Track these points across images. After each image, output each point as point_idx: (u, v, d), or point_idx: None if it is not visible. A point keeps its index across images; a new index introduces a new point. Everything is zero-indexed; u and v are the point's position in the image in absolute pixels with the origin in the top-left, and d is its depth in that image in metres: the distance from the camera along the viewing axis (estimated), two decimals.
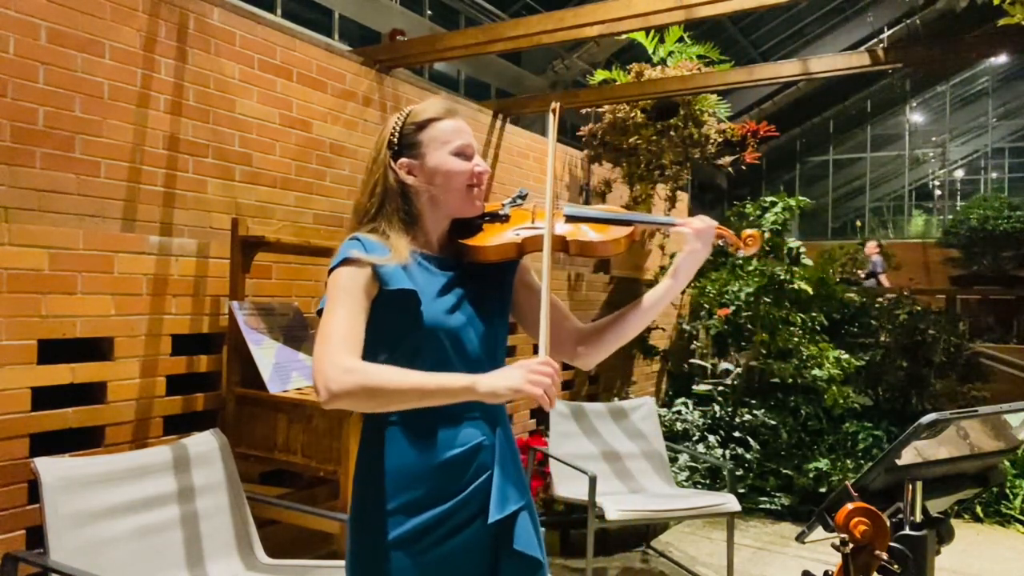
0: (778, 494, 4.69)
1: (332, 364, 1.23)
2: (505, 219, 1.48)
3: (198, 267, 2.86)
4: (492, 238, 1.43)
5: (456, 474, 1.35)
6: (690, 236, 1.45)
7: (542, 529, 1.48)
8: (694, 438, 4.96)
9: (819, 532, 1.48)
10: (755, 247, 1.48)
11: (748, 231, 1.48)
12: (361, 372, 1.23)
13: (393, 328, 1.34)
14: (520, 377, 1.20)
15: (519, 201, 1.52)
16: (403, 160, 1.41)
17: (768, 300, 4.97)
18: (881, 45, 12.06)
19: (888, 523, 1.36)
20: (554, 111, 1.54)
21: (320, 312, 1.34)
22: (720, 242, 1.49)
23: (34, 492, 2.18)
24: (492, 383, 1.22)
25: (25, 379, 2.33)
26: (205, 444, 2.54)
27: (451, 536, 1.34)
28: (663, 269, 5.66)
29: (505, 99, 5.95)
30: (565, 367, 5.05)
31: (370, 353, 1.31)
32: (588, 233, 1.43)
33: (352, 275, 1.32)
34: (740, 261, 5.21)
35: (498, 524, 1.35)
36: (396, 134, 1.42)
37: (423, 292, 1.35)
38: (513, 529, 1.36)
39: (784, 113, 15.33)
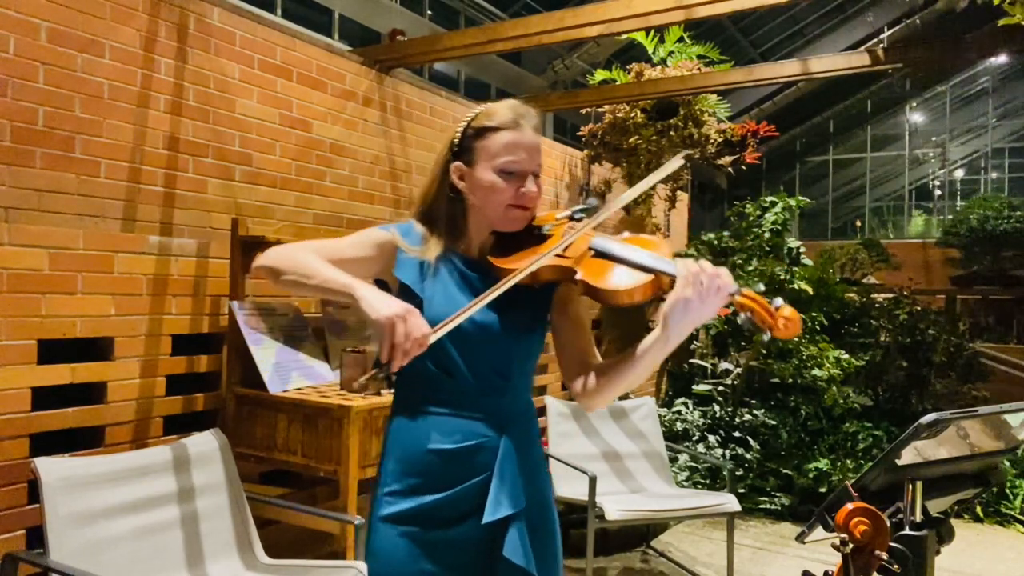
0: (778, 494, 4.69)
1: (292, 245, 1.37)
2: (543, 239, 1.39)
3: (198, 267, 2.86)
4: (516, 261, 1.35)
5: (451, 467, 1.36)
6: (678, 281, 1.21)
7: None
8: (694, 438, 4.96)
9: (819, 532, 1.48)
10: (791, 333, 1.17)
11: (787, 312, 1.16)
12: (293, 256, 1.34)
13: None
14: (392, 313, 1.19)
15: (579, 215, 1.41)
16: (457, 164, 1.40)
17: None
18: (881, 45, 12.06)
19: (888, 523, 1.36)
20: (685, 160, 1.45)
21: None
22: (744, 316, 1.19)
23: (34, 492, 2.18)
24: (370, 296, 1.23)
25: (25, 379, 2.33)
26: (205, 444, 2.54)
27: (444, 527, 1.36)
28: None
29: (505, 99, 5.95)
30: None
31: None
32: (600, 276, 1.28)
33: (379, 236, 1.42)
34: (740, 261, 5.20)
35: (495, 528, 1.35)
36: (459, 135, 1.41)
37: (441, 290, 1.37)
38: (505, 534, 1.35)
39: (784, 113, 15.33)
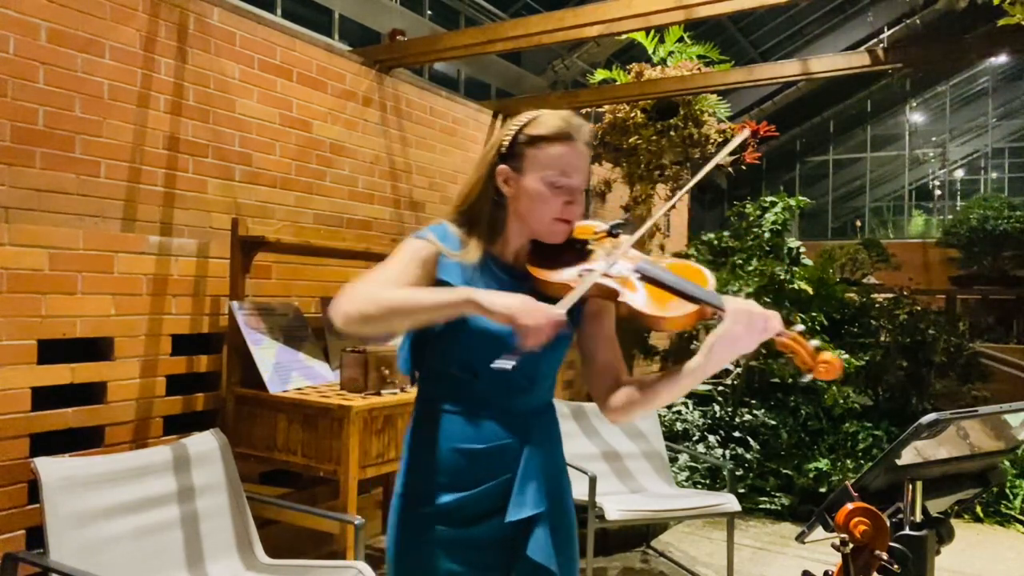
0: (778, 494, 4.68)
1: (355, 293, 1.27)
2: (584, 254, 1.38)
3: (198, 267, 2.86)
4: (557, 272, 1.36)
5: (476, 467, 1.37)
6: (728, 316, 1.23)
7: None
8: (694, 438, 4.96)
9: (819, 532, 1.48)
10: (830, 375, 1.20)
11: (827, 356, 1.20)
12: (372, 297, 1.26)
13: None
14: (519, 306, 1.20)
15: (616, 231, 1.42)
16: (504, 167, 1.38)
17: (768, 300, 4.97)
18: (881, 45, 12.06)
19: (888, 523, 1.36)
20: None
21: None
22: (788, 355, 1.24)
23: (34, 492, 2.18)
24: (491, 298, 1.21)
25: (25, 379, 2.33)
26: (205, 444, 2.54)
27: (466, 525, 1.37)
28: None
29: (505, 99, 5.96)
30: (568, 366, 5.05)
31: (419, 333, 1.40)
32: (646, 299, 1.29)
33: (418, 247, 1.37)
34: (739, 261, 5.20)
35: (518, 527, 1.37)
36: (509, 139, 1.39)
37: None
38: (529, 535, 1.37)
39: (784, 113, 15.33)
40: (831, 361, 1.20)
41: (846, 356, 4.98)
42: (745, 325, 1.22)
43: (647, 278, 1.32)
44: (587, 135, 1.40)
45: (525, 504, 1.37)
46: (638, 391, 1.37)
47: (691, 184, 1.53)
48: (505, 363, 1.20)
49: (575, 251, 1.40)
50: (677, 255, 5.36)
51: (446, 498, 1.37)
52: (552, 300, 1.36)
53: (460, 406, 1.39)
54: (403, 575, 1.40)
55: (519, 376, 1.37)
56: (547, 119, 1.38)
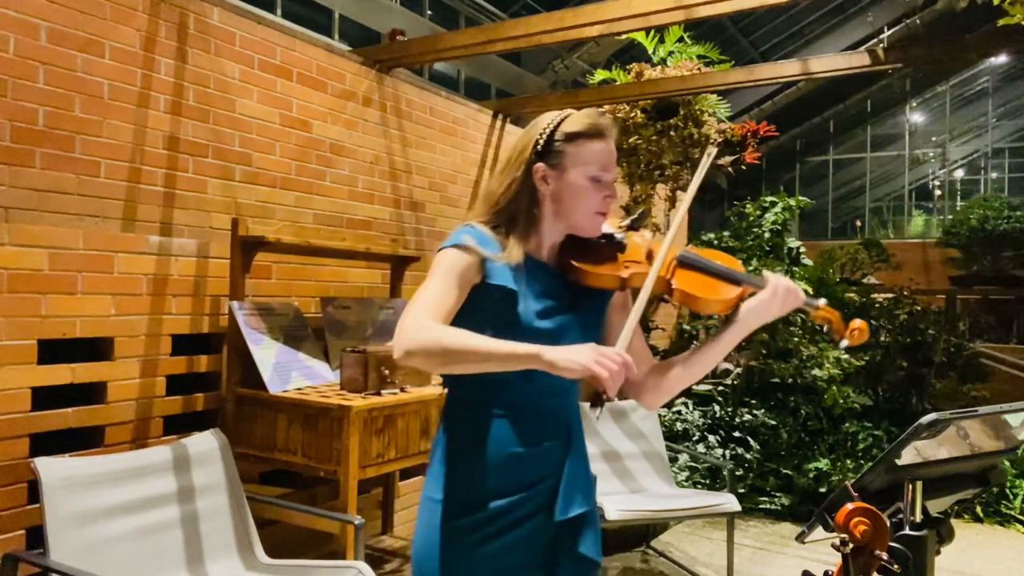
0: (778, 494, 4.68)
1: (412, 324, 1.26)
2: (620, 247, 1.44)
3: (198, 267, 2.86)
4: (600, 266, 1.41)
5: (526, 470, 1.38)
6: (767, 289, 1.40)
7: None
8: (694, 438, 4.96)
9: (819, 532, 1.48)
10: (860, 340, 1.37)
11: (858, 322, 1.37)
12: (435, 330, 1.25)
13: (486, 321, 1.35)
14: (588, 356, 1.20)
15: (637, 225, 1.50)
16: (541, 165, 1.40)
17: None
18: (881, 45, 12.06)
19: (888, 523, 1.36)
20: (709, 155, 1.51)
21: None
22: (823, 327, 1.42)
23: (34, 492, 2.18)
24: (558, 355, 1.21)
25: (25, 379, 2.33)
26: (205, 444, 2.54)
27: (512, 528, 1.38)
28: None
29: (505, 99, 5.95)
30: None
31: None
32: (695, 284, 1.39)
33: (458, 257, 1.35)
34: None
35: (560, 524, 1.38)
36: (544, 137, 1.41)
37: (522, 295, 1.37)
38: (578, 531, 1.40)
39: (784, 113, 15.33)
40: (860, 327, 1.36)
41: (846, 356, 4.99)
42: (780, 300, 1.39)
43: (691, 265, 1.41)
44: (615, 133, 1.46)
45: (573, 503, 1.39)
46: (671, 370, 1.45)
47: (697, 179, 1.53)
48: (596, 413, 1.27)
49: (611, 244, 1.45)
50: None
51: (494, 504, 1.37)
52: (598, 292, 1.43)
53: (506, 409, 1.38)
54: None
55: (569, 381, 1.38)
56: (581, 117, 1.42)
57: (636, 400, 1.50)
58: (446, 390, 1.46)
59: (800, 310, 1.42)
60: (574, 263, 1.41)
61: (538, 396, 1.39)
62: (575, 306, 1.42)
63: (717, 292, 1.39)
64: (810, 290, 4.95)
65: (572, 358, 1.21)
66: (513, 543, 1.38)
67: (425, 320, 1.27)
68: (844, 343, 1.38)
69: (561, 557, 1.40)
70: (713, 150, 1.58)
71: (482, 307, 1.36)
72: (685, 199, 1.52)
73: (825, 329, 1.43)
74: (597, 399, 1.24)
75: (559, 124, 1.41)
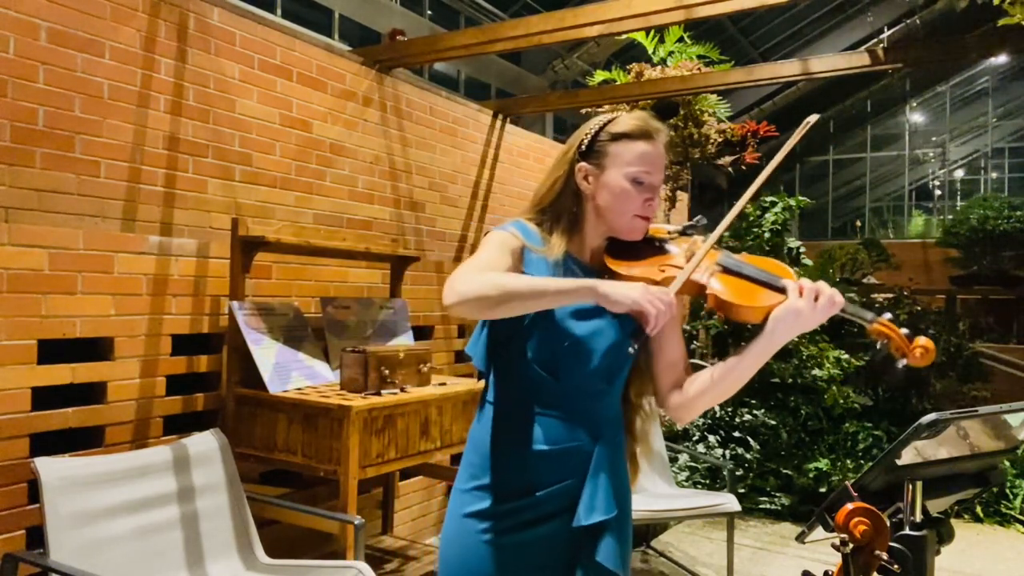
0: (778, 494, 4.69)
1: (464, 275, 1.27)
2: (662, 251, 1.42)
3: (198, 267, 2.86)
4: (636, 268, 1.39)
5: (544, 469, 1.38)
6: (792, 292, 1.29)
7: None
8: (694, 438, 4.96)
9: (819, 532, 1.48)
10: (926, 360, 1.24)
11: (922, 340, 1.24)
12: (487, 279, 1.26)
13: (521, 315, 1.35)
14: (640, 293, 1.21)
15: (690, 231, 1.45)
16: (584, 164, 1.41)
17: None
18: (881, 45, 12.06)
19: (888, 523, 1.36)
20: (807, 124, 1.44)
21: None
22: (880, 343, 1.27)
23: (34, 492, 2.18)
24: (610, 288, 1.23)
25: (25, 379, 2.33)
26: (205, 444, 2.54)
27: (530, 526, 1.37)
28: None
29: (505, 99, 5.95)
30: None
31: (496, 327, 1.40)
32: (733, 291, 1.32)
33: (506, 238, 1.38)
34: None
35: (582, 529, 1.37)
36: (589, 136, 1.42)
37: None
38: (598, 540, 1.38)
39: (784, 113, 15.32)
40: (927, 346, 1.23)
41: (846, 356, 4.99)
42: (807, 301, 1.26)
43: (730, 271, 1.35)
44: (665, 137, 1.44)
45: (596, 508, 1.37)
46: (701, 386, 1.40)
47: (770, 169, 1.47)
48: (631, 348, 1.27)
49: (653, 248, 1.43)
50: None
51: (511, 499, 1.37)
52: None
53: (536, 408, 1.38)
54: (459, 571, 1.40)
55: (597, 379, 1.40)
56: (628, 118, 1.43)
57: (665, 412, 1.47)
58: (481, 381, 1.48)
59: (846, 320, 1.32)
60: (610, 265, 1.40)
61: (565, 397, 1.39)
62: (618, 312, 1.38)
63: (755, 300, 1.30)
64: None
65: (624, 292, 1.22)
66: (530, 541, 1.37)
67: (477, 271, 1.28)
68: (904, 362, 1.25)
69: (582, 564, 1.39)
70: (813, 119, 1.49)
71: None
72: (750, 190, 1.43)
73: (879, 346, 1.27)
74: (638, 333, 1.25)
75: (606, 124, 1.42)
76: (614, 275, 1.38)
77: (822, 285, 1.29)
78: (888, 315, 1.29)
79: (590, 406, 1.41)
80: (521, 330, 1.38)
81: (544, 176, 1.47)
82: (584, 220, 1.43)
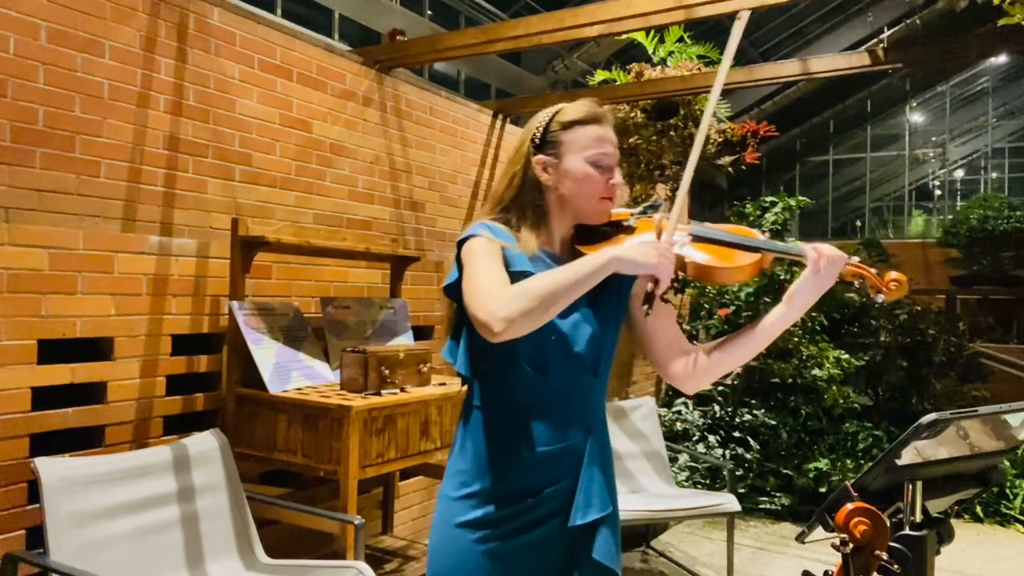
0: (778, 494, 4.69)
1: (495, 299, 1.25)
2: (630, 230, 1.44)
3: (198, 267, 2.86)
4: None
5: (543, 470, 1.36)
6: (811, 266, 1.36)
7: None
8: (694, 438, 4.96)
9: (819, 532, 1.48)
10: (900, 293, 1.32)
11: (893, 274, 1.32)
12: (520, 294, 1.25)
13: None
14: (655, 254, 1.27)
15: (650, 212, 1.47)
16: (541, 157, 1.42)
17: (768, 300, 4.97)
18: (881, 45, 12.05)
19: (888, 523, 1.36)
20: (740, 18, 1.45)
21: (447, 287, 1.38)
22: (857, 283, 1.35)
23: (34, 492, 2.18)
24: (634, 255, 1.27)
25: (25, 379, 2.33)
26: (205, 444, 2.54)
27: (527, 530, 1.35)
28: None
29: (505, 99, 5.95)
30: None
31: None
32: (711, 258, 1.36)
33: (487, 242, 1.37)
34: None
35: (577, 528, 1.36)
36: (541, 129, 1.43)
37: None
38: (594, 537, 1.37)
39: (784, 113, 15.32)
40: (898, 278, 1.31)
41: (846, 356, 4.99)
42: (829, 271, 1.34)
43: (704, 239, 1.39)
44: (612, 118, 1.46)
45: (591, 507, 1.36)
46: (717, 351, 1.42)
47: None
48: (647, 309, 1.31)
49: (621, 229, 1.45)
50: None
51: (508, 505, 1.35)
52: (614, 281, 1.39)
53: (523, 409, 1.37)
54: None
55: (585, 371, 1.39)
56: (576, 106, 1.44)
57: (673, 383, 1.47)
58: (464, 387, 1.45)
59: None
60: (585, 251, 1.40)
61: (556, 394, 1.37)
62: (595, 299, 1.40)
63: (732, 260, 1.35)
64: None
65: (644, 259, 1.27)
66: (528, 546, 1.35)
67: (501, 291, 1.26)
68: (881, 298, 1.33)
69: (578, 563, 1.38)
70: (745, 14, 1.49)
71: None
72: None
73: (857, 285, 1.36)
74: (649, 297, 1.28)
75: (554, 115, 1.43)
76: None
77: (820, 245, 1.36)
78: (856, 258, 1.37)
79: (580, 401, 1.40)
80: None
81: (499, 176, 1.47)
82: (550, 212, 1.43)
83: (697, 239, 1.39)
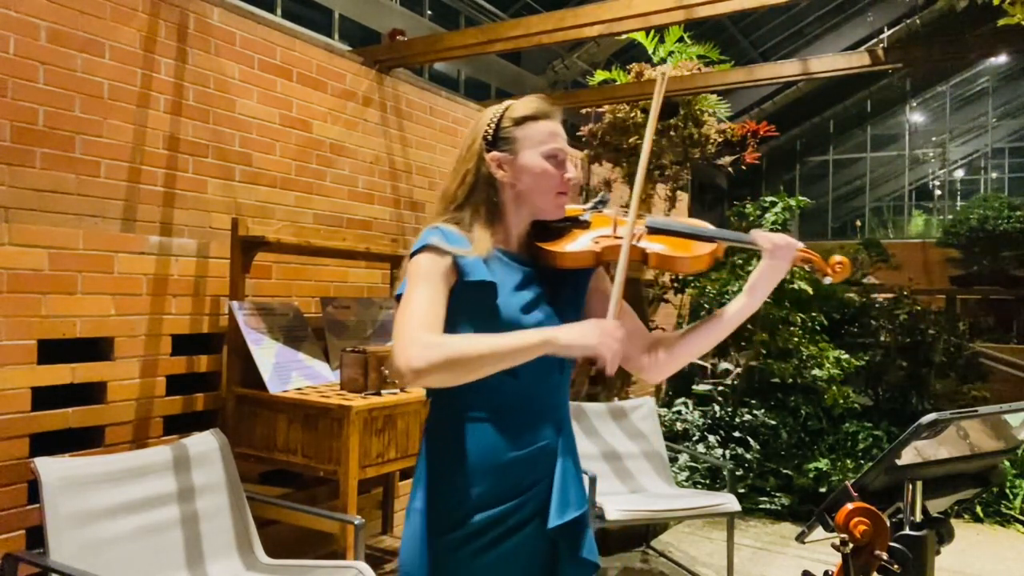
0: (778, 494, 4.68)
1: (413, 342, 1.22)
2: (586, 225, 1.44)
3: (198, 267, 2.86)
4: (570, 244, 1.40)
5: (519, 474, 1.34)
6: (767, 252, 1.39)
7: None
8: (694, 438, 4.96)
9: (819, 532, 1.48)
10: (844, 274, 1.38)
11: (837, 257, 1.39)
12: (442, 346, 1.22)
13: (469, 319, 1.33)
14: (597, 335, 1.23)
15: (600, 207, 1.48)
16: (495, 154, 1.39)
17: (768, 300, 4.98)
18: (881, 45, 12.05)
19: (888, 523, 1.36)
20: (663, 75, 1.51)
21: (399, 297, 1.34)
22: (806, 267, 1.41)
23: (34, 492, 2.18)
24: (570, 337, 1.23)
25: (25, 379, 2.33)
26: (205, 444, 2.54)
27: (509, 535, 1.33)
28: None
29: (505, 99, 5.96)
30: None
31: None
32: (670, 248, 1.38)
33: (432, 260, 1.32)
34: (740, 261, 5.20)
35: (556, 529, 1.34)
36: (492, 126, 1.40)
37: (500, 286, 1.34)
38: (574, 535, 1.36)
39: (784, 113, 15.33)
40: (842, 260, 1.38)
41: (846, 356, 4.99)
42: (782, 259, 1.38)
43: (660, 230, 1.41)
44: (561, 115, 1.46)
45: (569, 505, 1.35)
46: (681, 342, 1.43)
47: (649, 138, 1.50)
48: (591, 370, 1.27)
49: (578, 224, 1.45)
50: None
51: (486, 513, 1.31)
52: (575, 275, 1.42)
53: (493, 413, 1.33)
54: None
55: (553, 369, 1.37)
56: (525, 102, 1.43)
57: (637, 374, 1.49)
58: (430, 399, 1.41)
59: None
60: (544, 247, 1.40)
61: (525, 396, 1.35)
62: (555, 295, 1.40)
63: (691, 250, 1.38)
64: (809, 290, 4.94)
65: (583, 341, 1.23)
66: (510, 552, 1.33)
67: (423, 335, 1.23)
68: (828, 280, 1.39)
69: (563, 564, 1.36)
70: (667, 70, 1.59)
71: (463, 307, 1.32)
72: (644, 149, 1.48)
73: (808, 269, 1.43)
74: (597, 378, 1.27)
75: (505, 112, 1.41)
76: (554, 257, 1.39)
77: (771, 235, 1.39)
78: (802, 244, 1.42)
79: (550, 400, 1.39)
80: (469, 331, 1.33)
81: (449, 175, 1.44)
82: (505, 209, 1.40)
83: (656, 231, 1.41)
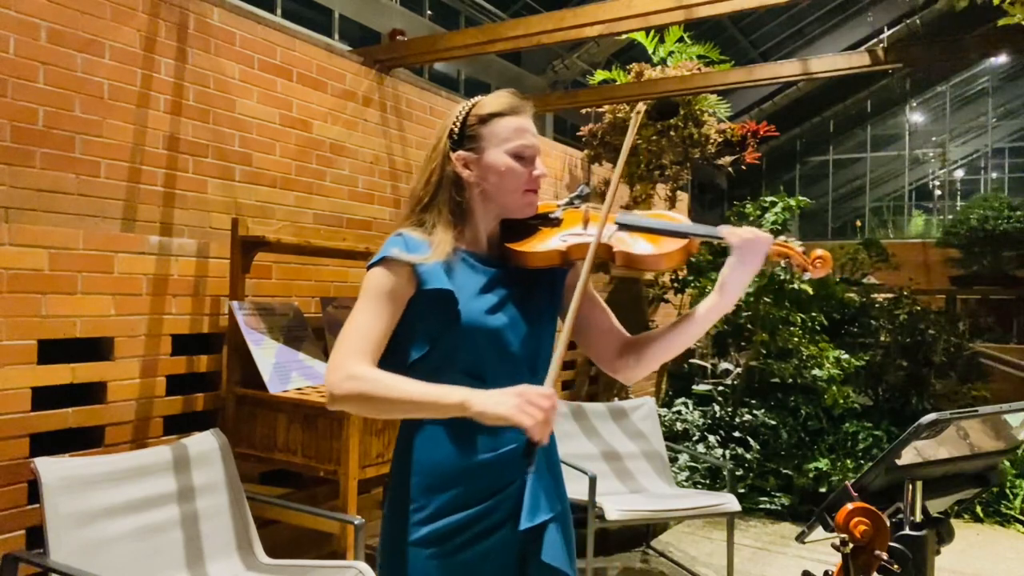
0: (778, 494, 4.68)
1: (338, 368, 1.25)
2: (556, 223, 1.40)
3: (198, 267, 2.86)
4: (538, 243, 1.37)
5: (490, 477, 1.32)
6: (733, 248, 1.30)
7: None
8: (694, 438, 4.96)
9: (819, 532, 1.48)
10: (826, 269, 1.28)
11: (818, 251, 1.29)
12: (361, 380, 1.24)
13: (432, 326, 1.32)
14: (514, 405, 1.16)
15: (577, 202, 1.44)
16: (461, 153, 1.36)
17: (768, 300, 4.97)
18: (881, 45, 12.05)
19: (888, 523, 1.36)
20: (638, 112, 1.46)
21: None
22: (783, 262, 1.32)
23: (34, 492, 2.18)
24: (484, 405, 1.18)
25: (25, 379, 2.33)
26: (205, 444, 2.54)
27: (480, 539, 1.32)
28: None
29: None
30: (566, 366, 5.05)
31: (409, 349, 1.33)
32: (638, 245, 1.33)
33: (384, 276, 1.32)
34: None
35: (528, 531, 1.32)
36: (458, 124, 1.37)
37: (463, 290, 1.32)
38: (542, 539, 1.33)
39: (784, 113, 15.34)
40: (823, 255, 1.28)
41: (846, 356, 4.99)
42: (752, 254, 1.29)
43: (630, 227, 1.36)
44: (531, 109, 1.41)
45: (540, 508, 1.33)
46: (655, 343, 1.39)
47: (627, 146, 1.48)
48: (530, 467, 1.24)
49: (548, 222, 1.41)
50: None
51: (459, 516, 1.30)
52: (546, 275, 1.39)
53: (462, 417, 1.28)
54: None
55: (524, 371, 1.34)
56: (493, 98, 1.39)
57: (613, 375, 1.45)
58: None
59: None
60: (510, 247, 1.37)
61: None
62: (526, 295, 1.37)
63: (662, 247, 1.32)
64: (809, 290, 4.94)
65: (496, 410, 1.17)
66: (483, 555, 1.31)
67: (350, 364, 1.24)
68: (808, 275, 1.30)
69: (530, 568, 1.34)
70: (641, 107, 1.53)
71: (423, 315, 1.31)
72: (620, 159, 1.43)
73: (784, 264, 1.34)
74: (529, 448, 1.19)
75: (470, 109, 1.38)
76: (520, 256, 1.36)
77: (738, 229, 1.31)
78: (783, 237, 1.35)
79: None
80: (442, 341, 1.32)
81: (416, 176, 1.42)
82: (472, 209, 1.37)
83: (626, 227, 1.36)
